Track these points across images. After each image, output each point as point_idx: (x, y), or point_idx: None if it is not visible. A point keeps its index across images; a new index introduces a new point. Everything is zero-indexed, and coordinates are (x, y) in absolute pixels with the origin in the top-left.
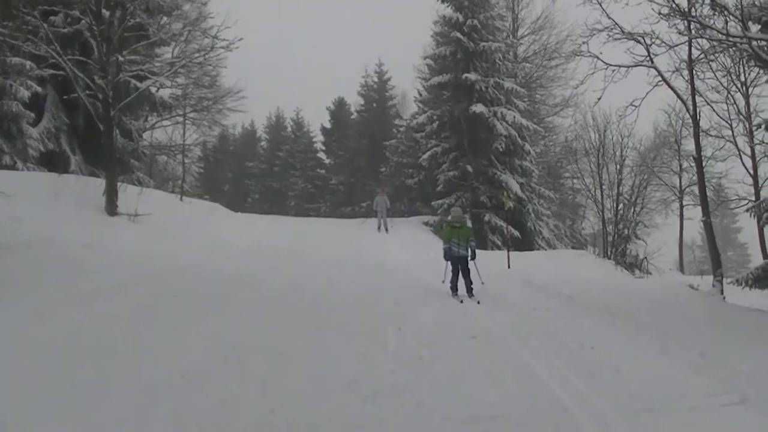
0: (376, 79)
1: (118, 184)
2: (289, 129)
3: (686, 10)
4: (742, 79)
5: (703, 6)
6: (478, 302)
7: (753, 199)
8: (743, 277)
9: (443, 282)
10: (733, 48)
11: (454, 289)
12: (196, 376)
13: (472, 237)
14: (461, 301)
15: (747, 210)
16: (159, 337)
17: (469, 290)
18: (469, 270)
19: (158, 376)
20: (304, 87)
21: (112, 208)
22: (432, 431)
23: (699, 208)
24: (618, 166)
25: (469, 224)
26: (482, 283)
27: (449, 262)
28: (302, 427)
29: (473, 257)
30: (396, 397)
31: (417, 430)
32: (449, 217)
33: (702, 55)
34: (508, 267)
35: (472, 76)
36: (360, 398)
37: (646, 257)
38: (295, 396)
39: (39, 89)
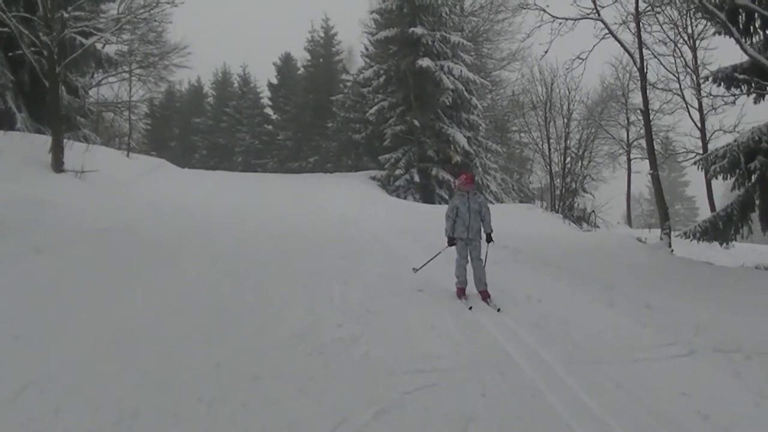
0: (322, 35)
1: (64, 141)
2: (236, 85)
3: None
4: (689, 31)
5: None
6: None
7: (700, 152)
8: (691, 230)
9: None
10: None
11: None
12: (141, 330)
13: None
14: None
15: (694, 163)
16: (104, 292)
17: None
18: None
19: (103, 331)
20: (251, 42)
21: (58, 165)
22: (378, 383)
23: (646, 162)
24: (565, 120)
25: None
26: None
27: None
28: (248, 380)
29: None
30: (342, 350)
31: (363, 383)
32: None
33: (649, 8)
34: None
35: (419, 30)
36: (306, 351)
37: (593, 211)
38: (240, 349)
39: None
